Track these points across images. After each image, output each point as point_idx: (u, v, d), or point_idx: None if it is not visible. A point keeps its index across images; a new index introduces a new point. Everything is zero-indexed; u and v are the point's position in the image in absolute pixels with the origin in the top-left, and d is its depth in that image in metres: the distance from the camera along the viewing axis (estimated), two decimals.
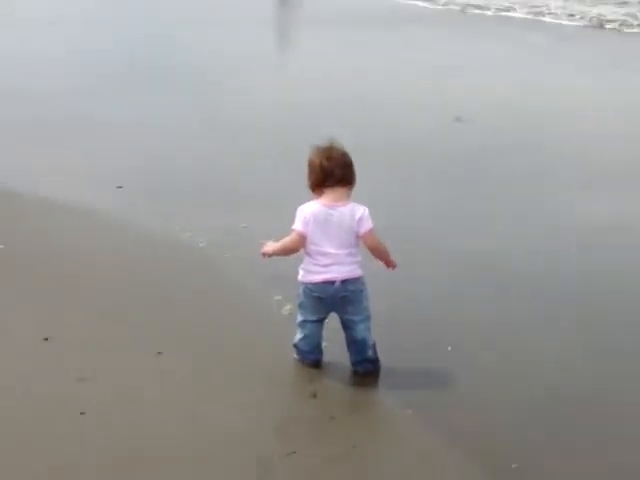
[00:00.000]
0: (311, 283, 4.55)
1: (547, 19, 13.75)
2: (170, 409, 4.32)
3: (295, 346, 4.74)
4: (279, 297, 5.34)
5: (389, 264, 4.71)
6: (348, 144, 4.65)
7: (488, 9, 14.68)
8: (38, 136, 8.48)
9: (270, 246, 4.70)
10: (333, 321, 4.69)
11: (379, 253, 4.64)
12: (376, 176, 6.93)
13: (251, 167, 7.75)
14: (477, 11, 14.68)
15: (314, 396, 4.49)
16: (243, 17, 15.06)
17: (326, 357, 4.74)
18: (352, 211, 4.51)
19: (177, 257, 6.07)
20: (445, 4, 15.44)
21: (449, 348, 4.91)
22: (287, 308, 5.20)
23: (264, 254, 4.73)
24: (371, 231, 4.54)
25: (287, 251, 4.65)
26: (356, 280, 4.55)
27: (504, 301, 5.48)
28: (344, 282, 4.51)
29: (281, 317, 5.18)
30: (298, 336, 4.72)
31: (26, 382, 4.51)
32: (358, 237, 4.53)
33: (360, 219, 4.50)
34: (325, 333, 4.72)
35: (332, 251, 4.51)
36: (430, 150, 8.14)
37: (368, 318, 4.63)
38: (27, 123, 8.81)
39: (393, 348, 4.82)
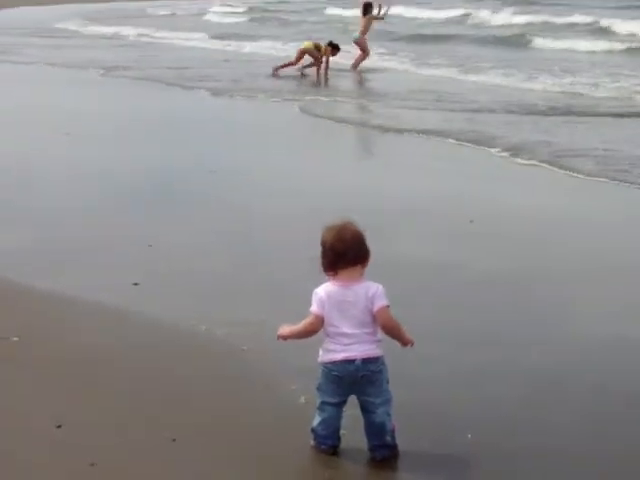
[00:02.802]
0: (331, 362, 4.51)
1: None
2: None
3: (313, 430, 4.67)
4: (295, 387, 5.30)
5: (405, 342, 4.66)
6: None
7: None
8: (54, 237, 8.57)
9: (286, 328, 4.68)
10: (351, 408, 4.63)
11: (393, 331, 4.59)
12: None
13: (267, 261, 7.79)
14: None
15: None
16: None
17: (343, 444, 4.66)
18: (366, 289, 4.50)
19: (193, 349, 6.05)
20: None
21: (469, 436, 4.82)
22: (303, 398, 5.14)
23: (279, 336, 4.70)
24: (385, 308, 4.50)
25: (304, 333, 4.62)
26: (376, 360, 4.51)
27: (526, 392, 5.39)
28: (365, 361, 4.47)
29: (298, 406, 5.11)
30: (317, 420, 4.65)
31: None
32: (373, 315, 4.49)
33: (374, 296, 4.48)
34: (343, 422, 4.64)
35: (350, 331, 4.48)
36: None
37: (388, 401, 4.56)
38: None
39: (412, 434, 4.74)
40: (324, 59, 23.27)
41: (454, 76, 22.12)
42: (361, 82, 22.46)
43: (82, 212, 9.53)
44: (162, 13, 57.58)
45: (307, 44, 23.75)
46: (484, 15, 39.76)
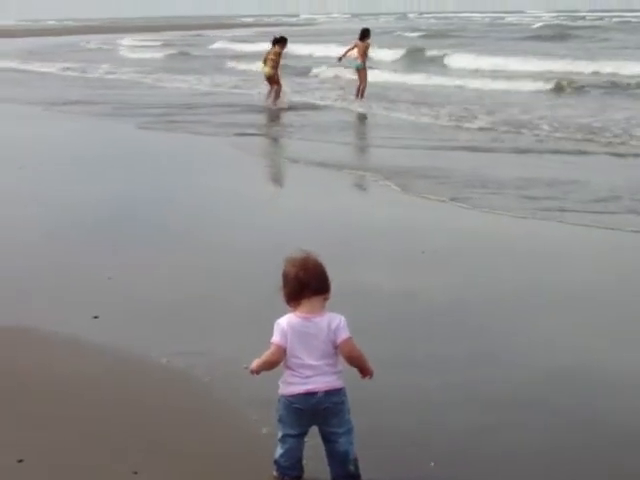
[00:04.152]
0: (292, 395, 4.51)
1: None
2: None
3: (275, 462, 4.66)
4: (256, 418, 5.30)
5: (366, 373, 4.67)
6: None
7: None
8: (13, 270, 8.59)
9: (255, 363, 4.68)
10: (313, 438, 4.64)
11: (356, 361, 4.61)
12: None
13: (227, 293, 7.83)
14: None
15: None
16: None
17: (306, 474, 4.65)
18: (329, 321, 4.51)
19: (155, 381, 6.04)
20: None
21: (432, 464, 4.85)
22: (265, 429, 5.14)
23: (252, 371, 4.69)
24: (348, 340, 4.52)
25: (268, 364, 4.61)
26: (338, 391, 4.52)
27: (489, 419, 5.44)
28: (327, 393, 4.48)
29: (260, 437, 5.10)
30: (279, 451, 4.64)
31: None
32: (335, 347, 4.52)
33: (337, 328, 4.50)
34: (305, 451, 4.64)
35: (312, 362, 4.49)
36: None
37: (351, 431, 4.57)
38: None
39: (375, 464, 4.75)
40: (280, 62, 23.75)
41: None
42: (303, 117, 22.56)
43: (39, 245, 9.51)
44: (92, 47, 61.30)
45: (267, 70, 23.79)
46: None
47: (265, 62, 23.93)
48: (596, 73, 30.45)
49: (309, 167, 14.58)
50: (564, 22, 77.69)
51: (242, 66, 38.20)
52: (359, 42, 24.87)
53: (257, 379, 4.83)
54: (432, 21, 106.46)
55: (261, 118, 21.88)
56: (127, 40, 69.03)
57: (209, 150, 16.66)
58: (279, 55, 23.75)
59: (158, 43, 65.88)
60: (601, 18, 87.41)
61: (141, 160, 15.69)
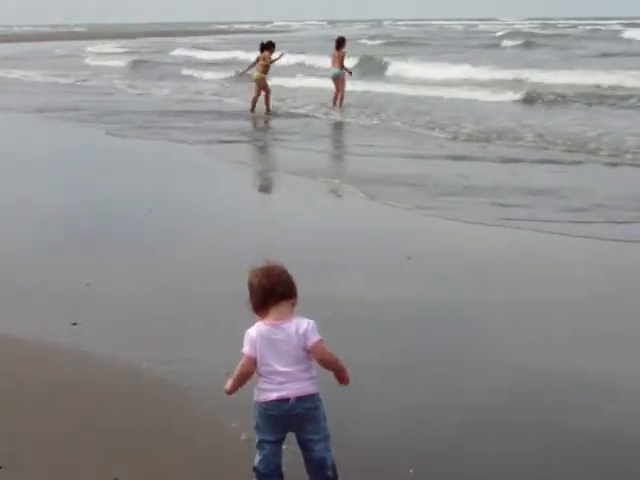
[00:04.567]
0: (265, 402, 4.50)
1: None
2: None
3: (255, 469, 4.64)
4: (236, 424, 5.32)
5: (342, 378, 4.64)
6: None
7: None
8: None
9: (229, 382, 4.67)
10: (292, 444, 4.64)
11: (329, 365, 4.57)
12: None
13: (205, 299, 7.87)
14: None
15: None
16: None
17: None
18: (297, 326, 4.48)
19: (133, 387, 6.04)
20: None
21: (411, 471, 4.88)
22: (245, 435, 5.16)
23: (227, 392, 4.68)
24: (318, 343, 4.48)
25: (242, 376, 4.59)
26: (312, 397, 4.50)
27: (469, 425, 5.47)
28: (299, 399, 4.47)
29: (239, 443, 5.12)
30: (257, 458, 4.62)
31: None
32: (307, 351, 4.49)
33: (305, 333, 4.46)
34: (285, 458, 4.65)
35: (283, 369, 4.47)
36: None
37: (327, 437, 4.56)
38: None
39: (354, 470, 4.79)
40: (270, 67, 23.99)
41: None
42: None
43: (17, 252, 9.50)
44: (62, 53, 63.49)
45: (257, 74, 23.87)
46: None
47: (255, 66, 24.20)
48: (545, 83, 30.11)
49: (283, 175, 14.65)
50: (535, 30, 78.22)
51: (198, 74, 39.04)
52: (335, 51, 25.02)
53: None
54: (403, 28, 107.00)
55: (238, 125, 21.85)
56: (94, 47, 69.23)
57: (186, 157, 16.67)
58: (268, 60, 23.88)
59: (121, 50, 66.09)
60: (574, 26, 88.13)
61: (118, 167, 15.66)
